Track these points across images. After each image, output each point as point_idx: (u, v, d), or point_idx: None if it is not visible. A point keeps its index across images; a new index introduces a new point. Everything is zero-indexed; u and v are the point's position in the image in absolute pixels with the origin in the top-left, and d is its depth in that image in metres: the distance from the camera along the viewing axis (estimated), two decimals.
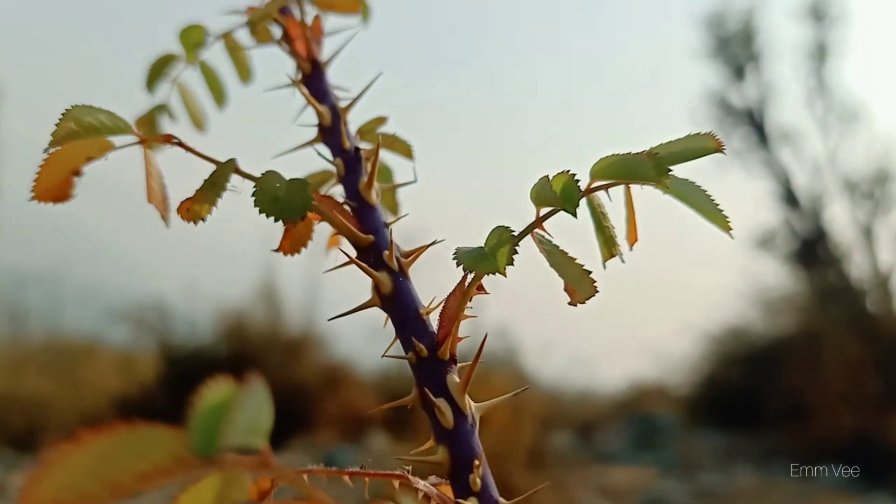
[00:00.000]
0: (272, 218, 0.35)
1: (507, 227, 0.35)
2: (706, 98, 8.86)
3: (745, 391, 7.69)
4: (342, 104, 0.44)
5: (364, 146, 0.45)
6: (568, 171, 0.33)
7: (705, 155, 0.35)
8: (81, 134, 0.37)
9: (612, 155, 0.34)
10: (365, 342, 7.88)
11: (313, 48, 0.45)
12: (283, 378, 7.10)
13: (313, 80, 0.44)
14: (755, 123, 8.65)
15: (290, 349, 7.44)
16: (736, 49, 8.76)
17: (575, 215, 0.33)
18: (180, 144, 0.39)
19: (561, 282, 0.37)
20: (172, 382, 6.95)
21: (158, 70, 0.57)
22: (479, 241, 0.35)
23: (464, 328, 0.42)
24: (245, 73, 0.56)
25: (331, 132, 0.42)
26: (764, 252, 8.75)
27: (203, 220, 0.37)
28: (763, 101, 8.73)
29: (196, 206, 0.36)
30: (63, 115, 0.37)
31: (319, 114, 0.42)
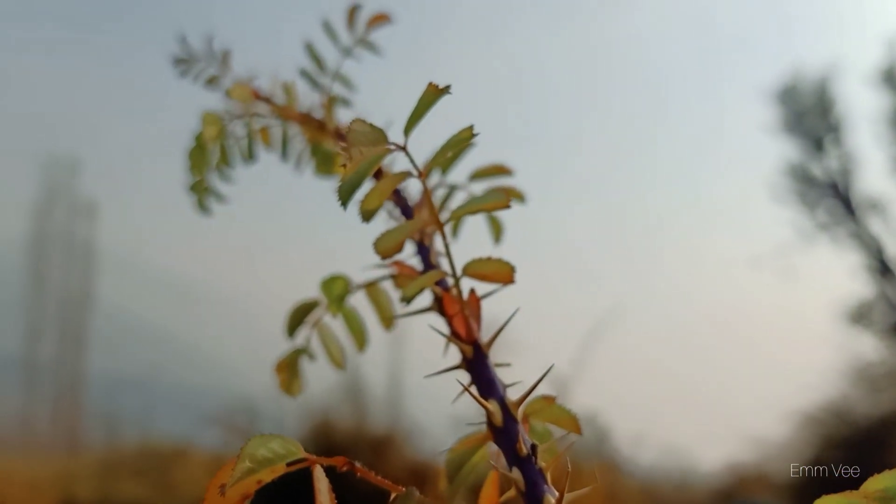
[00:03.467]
0: None
1: None
2: (786, 172, 8.69)
3: (852, 475, 7.29)
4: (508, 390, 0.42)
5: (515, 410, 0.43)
6: None
7: None
8: (256, 469, 0.36)
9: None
10: (450, 437, 7.75)
11: (472, 327, 0.44)
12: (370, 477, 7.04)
13: (476, 365, 0.42)
14: (840, 195, 8.42)
15: (377, 447, 7.40)
16: (812, 121, 8.61)
17: None
18: (352, 466, 0.37)
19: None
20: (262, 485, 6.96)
21: (300, 317, 0.56)
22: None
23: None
24: (389, 322, 0.55)
25: (504, 433, 0.40)
26: (860, 327, 8.40)
27: None
28: (846, 172, 8.52)
29: None
30: (239, 455, 0.36)
31: (489, 413, 0.40)
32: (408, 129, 0.43)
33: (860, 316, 8.37)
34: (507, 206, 0.43)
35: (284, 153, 0.64)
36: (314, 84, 0.69)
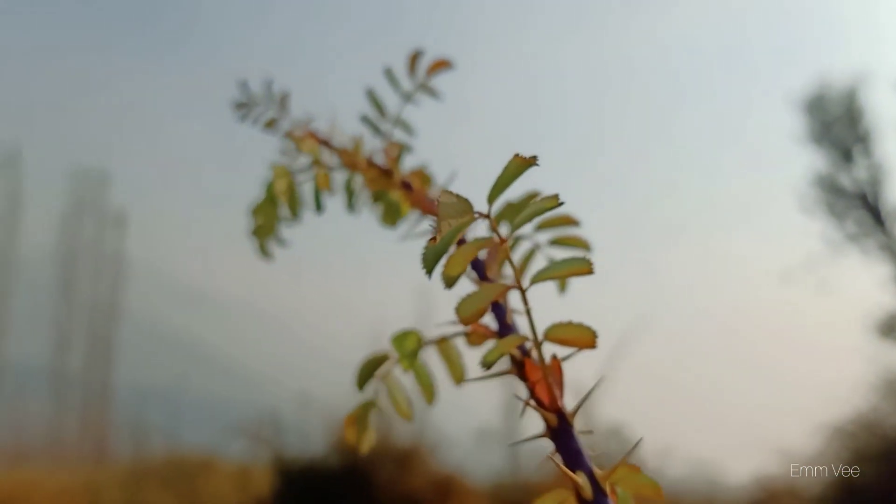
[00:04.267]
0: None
1: None
2: (815, 182, 8.61)
3: (882, 488, 7.22)
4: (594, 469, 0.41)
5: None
6: None
7: None
8: None
9: None
10: (476, 449, 7.77)
11: (556, 394, 0.44)
12: (395, 490, 7.04)
13: (561, 435, 0.42)
14: (869, 206, 8.33)
15: (402, 460, 7.39)
16: (841, 131, 8.53)
17: None
18: None
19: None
20: (288, 496, 6.97)
21: (369, 371, 0.57)
22: None
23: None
24: (459, 376, 0.56)
25: None
26: (890, 339, 8.30)
27: None
28: (875, 182, 8.42)
29: None
30: None
31: (578, 486, 0.40)
32: (491, 199, 0.43)
33: (890, 328, 8.28)
34: (590, 273, 0.43)
35: (351, 203, 0.64)
36: (375, 130, 0.69)
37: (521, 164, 0.42)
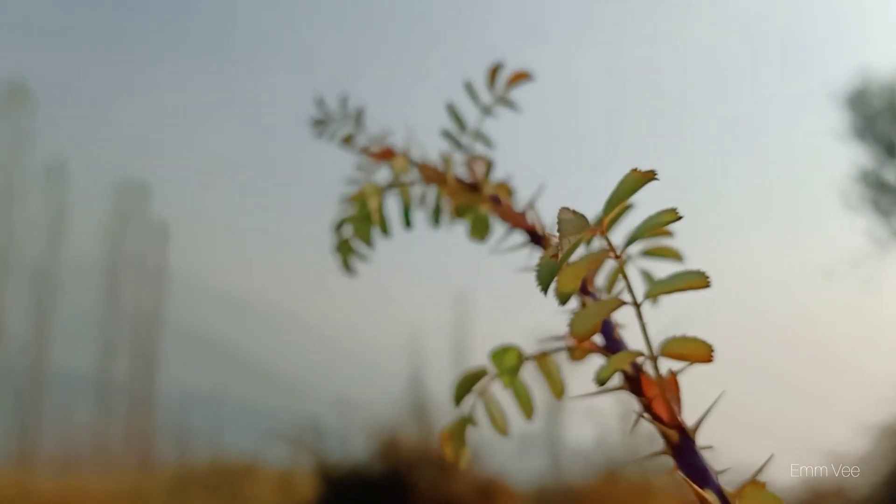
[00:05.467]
0: None
1: None
2: (858, 178, 8.46)
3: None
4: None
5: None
6: None
7: None
8: None
9: None
10: (518, 453, 7.74)
11: (674, 410, 0.43)
12: (437, 495, 7.04)
13: (684, 452, 0.42)
14: None
15: (443, 464, 7.39)
16: (884, 126, 8.38)
17: None
18: None
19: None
20: (330, 501, 7.01)
21: (467, 387, 0.57)
22: None
23: None
24: (559, 391, 0.55)
25: None
26: None
27: None
28: None
29: None
30: None
31: (704, 501, 0.40)
32: (606, 213, 0.43)
33: None
34: (707, 286, 0.43)
35: (436, 219, 0.64)
36: (456, 144, 0.69)
37: (640, 179, 0.42)
